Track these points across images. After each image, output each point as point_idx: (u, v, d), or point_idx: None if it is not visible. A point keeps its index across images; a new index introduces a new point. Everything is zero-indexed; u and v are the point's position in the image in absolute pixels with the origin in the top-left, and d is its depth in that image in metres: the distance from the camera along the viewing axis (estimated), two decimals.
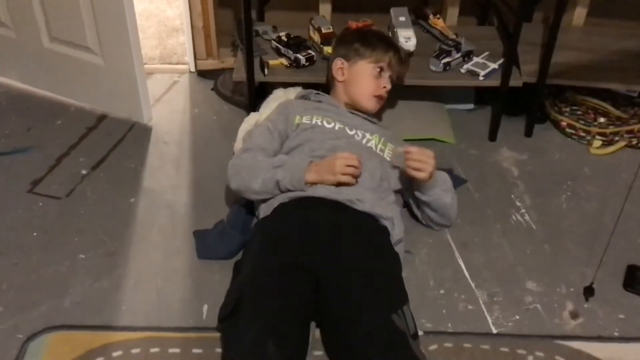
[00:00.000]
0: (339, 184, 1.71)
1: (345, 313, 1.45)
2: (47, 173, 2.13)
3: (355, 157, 1.72)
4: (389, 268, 1.60)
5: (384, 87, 1.97)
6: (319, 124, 1.87)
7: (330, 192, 1.69)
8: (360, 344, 1.38)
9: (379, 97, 1.98)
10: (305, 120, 1.87)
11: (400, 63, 2.02)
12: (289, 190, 1.72)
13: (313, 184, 1.71)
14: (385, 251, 1.65)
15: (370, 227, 1.68)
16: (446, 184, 1.83)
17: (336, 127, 1.87)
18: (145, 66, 2.35)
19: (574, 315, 1.68)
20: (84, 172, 2.14)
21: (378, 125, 2.02)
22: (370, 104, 1.98)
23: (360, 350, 1.37)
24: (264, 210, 1.75)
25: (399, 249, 1.71)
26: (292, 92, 2.12)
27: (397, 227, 1.72)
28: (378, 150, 1.88)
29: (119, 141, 2.29)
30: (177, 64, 2.78)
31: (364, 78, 1.97)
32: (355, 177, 1.72)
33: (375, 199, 1.73)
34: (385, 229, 1.70)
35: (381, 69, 1.96)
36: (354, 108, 1.98)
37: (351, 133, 1.88)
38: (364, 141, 1.88)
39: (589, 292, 1.72)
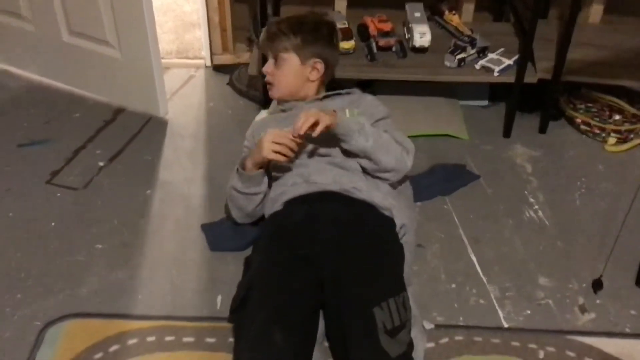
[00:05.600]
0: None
1: (332, 304, 1.49)
2: (65, 165, 2.17)
3: (285, 134, 1.68)
4: (385, 259, 1.58)
5: (267, 72, 1.87)
6: None
7: (327, 185, 1.69)
8: (339, 335, 1.43)
9: (267, 83, 1.90)
10: None
11: (268, 40, 1.86)
12: (243, 193, 1.77)
13: (257, 166, 1.74)
14: (385, 242, 1.64)
15: (372, 218, 1.68)
16: (363, 128, 1.70)
17: None
18: (162, 60, 2.37)
19: (583, 309, 1.68)
20: (101, 164, 2.17)
21: (336, 97, 1.90)
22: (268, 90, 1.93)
23: (338, 341, 1.43)
24: (268, 207, 1.77)
25: (406, 239, 1.70)
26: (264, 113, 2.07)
27: (397, 217, 1.70)
28: None
29: (135, 134, 2.32)
30: (193, 58, 2.80)
31: None
32: (287, 155, 1.69)
33: (371, 187, 1.72)
34: (389, 219, 1.69)
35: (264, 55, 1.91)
36: (299, 99, 1.91)
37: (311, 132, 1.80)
38: None
39: (597, 285, 1.73)
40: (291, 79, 1.87)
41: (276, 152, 1.67)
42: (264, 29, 1.92)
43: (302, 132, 1.62)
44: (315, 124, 1.61)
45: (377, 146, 1.70)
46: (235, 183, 1.78)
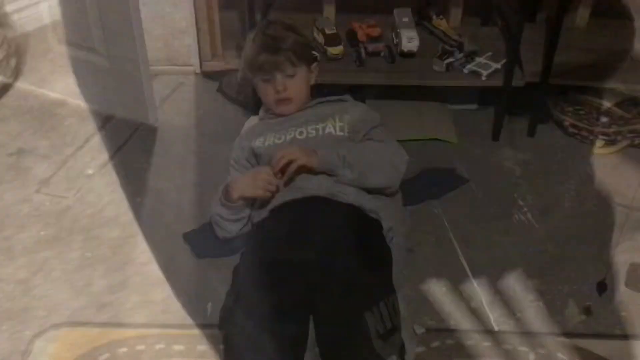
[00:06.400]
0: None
1: (322, 310, 1.47)
2: (54, 173, 2.16)
3: (271, 177, 1.71)
4: (373, 262, 1.57)
5: (282, 89, 1.85)
6: (271, 144, 1.83)
7: (313, 190, 1.69)
8: (330, 341, 1.42)
9: (282, 101, 1.88)
10: (258, 143, 1.86)
11: (263, 52, 1.84)
12: (229, 219, 1.78)
13: (243, 198, 1.75)
14: (373, 245, 1.63)
15: (360, 221, 1.67)
16: (344, 160, 1.71)
17: (287, 139, 1.83)
18: (151, 68, 2.37)
19: (574, 311, 1.69)
20: (90, 172, 2.17)
21: (327, 103, 1.93)
22: (279, 109, 1.91)
23: (329, 347, 1.42)
24: (255, 216, 1.77)
25: (395, 242, 1.70)
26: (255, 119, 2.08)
27: (384, 219, 1.70)
28: (339, 132, 1.83)
29: (125, 142, 2.32)
30: (182, 65, 2.80)
31: (257, 88, 1.92)
32: (272, 191, 1.72)
33: (357, 191, 1.72)
34: (377, 222, 1.69)
35: (262, 75, 1.87)
36: None
37: (302, 137, 1.83)
38: (321, 133, 1.83)
39: (601, 287, 1.73)
40: (305, 88, 1.92)
41: (265, 190, 1.72)
42: (248, 52, 1.90)
43: (276, 170, 1.70)
44: (290, 163, 1.67)
45: (365, 171, 1.72)
46: (221, 211, 1.79)
